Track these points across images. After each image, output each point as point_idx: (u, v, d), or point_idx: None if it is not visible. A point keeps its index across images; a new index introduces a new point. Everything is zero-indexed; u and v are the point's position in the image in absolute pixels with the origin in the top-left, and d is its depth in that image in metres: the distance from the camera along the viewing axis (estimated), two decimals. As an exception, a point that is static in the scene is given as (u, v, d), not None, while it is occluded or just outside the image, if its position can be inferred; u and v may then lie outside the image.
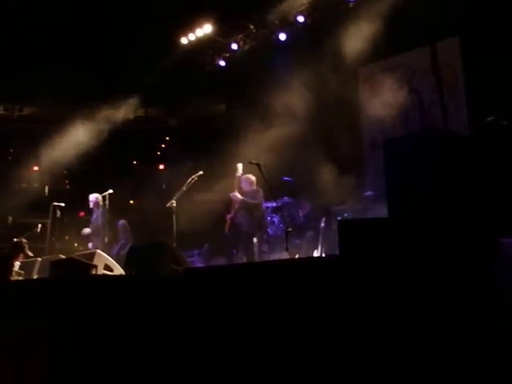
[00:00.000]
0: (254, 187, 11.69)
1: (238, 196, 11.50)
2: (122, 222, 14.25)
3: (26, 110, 20.55)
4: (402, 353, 3.27)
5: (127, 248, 13.91)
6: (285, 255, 10.60)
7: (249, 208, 11.47)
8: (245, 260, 11.28)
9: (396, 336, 3.31)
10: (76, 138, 17.50)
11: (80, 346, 4.59)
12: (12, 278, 8.44)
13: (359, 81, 15.72)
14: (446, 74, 13.06)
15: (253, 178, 11.68)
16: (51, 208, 13.79)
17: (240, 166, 11.51)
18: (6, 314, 5.45)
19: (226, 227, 11.60)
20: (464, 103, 13.35)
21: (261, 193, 11.64)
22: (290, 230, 10.33)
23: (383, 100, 14.98)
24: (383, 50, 14.07)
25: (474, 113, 12.72)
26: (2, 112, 20.38)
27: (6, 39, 15.49)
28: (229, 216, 11.64)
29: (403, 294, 3.32)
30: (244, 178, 11.69)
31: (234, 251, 11.79)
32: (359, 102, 15.59)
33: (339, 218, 11.32)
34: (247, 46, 16.39)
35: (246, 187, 11.70)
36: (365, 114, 15.46)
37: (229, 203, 11.87)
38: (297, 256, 11.62)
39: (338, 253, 4.63)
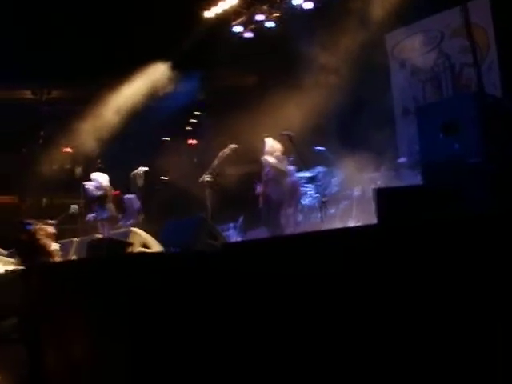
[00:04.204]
0: (279, 154, 11.38)
1: (269, 160, 11.22)
2: (129, 196, 14.27)
3: (55, 93, 20.59)
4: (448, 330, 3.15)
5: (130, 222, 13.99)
6: (320, 226, 10.59)
7: (277, 176, 11.18)
8: (268, 232, 11.03)
9: (442, 311, 3.19)
10: (106, 117, 17.55)
11: (120, 327, 4.61)
12: (54, 259, 8.45)
13: (387, 47, 15.52)
14: (476, 34, 12.82)
15: (278, 145, 11.38)
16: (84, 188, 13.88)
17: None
18: (51, 296, 5.50)
19: (260, 201, 11.37)
20: (496, 64, 13.12)
21: (286, 161, 11.40)
22: (324, 200, 10.29)
23: (413, 65, 14.83)
24: (410, 14, 13.84)
25: (506, 74, 12.53)
26: (31, 96, 20.44)
27: (29, 22, 15.50)
28: (258, 188, 11.36)
29: (449, 265, 3.18)
30: (269, 144, 11.38)
31: None
32: (389, 68, 15.43)
33: (373, 187, 11.24)
34: (272, 16, 16.27)
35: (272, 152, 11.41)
36: (395, 81, 15.32)
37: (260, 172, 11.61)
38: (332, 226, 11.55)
39: (373, 222, 4.58)
